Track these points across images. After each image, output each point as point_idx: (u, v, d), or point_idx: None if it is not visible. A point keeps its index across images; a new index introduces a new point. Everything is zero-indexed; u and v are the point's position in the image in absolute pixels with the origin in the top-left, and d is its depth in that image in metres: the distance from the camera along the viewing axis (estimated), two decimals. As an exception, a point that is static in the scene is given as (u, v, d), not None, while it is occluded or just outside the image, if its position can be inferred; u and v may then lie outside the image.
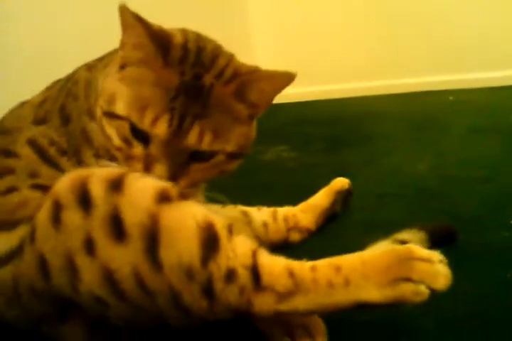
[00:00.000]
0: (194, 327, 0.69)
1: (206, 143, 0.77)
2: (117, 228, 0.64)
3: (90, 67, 0.92)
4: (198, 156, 0.78)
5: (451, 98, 2.62)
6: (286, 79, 0.82)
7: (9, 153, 0.86)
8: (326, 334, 0.73)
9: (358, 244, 0.91)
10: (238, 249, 0.66)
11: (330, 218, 1.19)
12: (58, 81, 0.95)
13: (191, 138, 0.75)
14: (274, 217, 1.11)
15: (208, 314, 0.66)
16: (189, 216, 0.65)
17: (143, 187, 0.66)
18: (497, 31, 2.81)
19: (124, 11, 0.74)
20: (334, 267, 0.67)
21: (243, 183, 1.50)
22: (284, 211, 1.14)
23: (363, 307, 0.66)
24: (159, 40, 0.76)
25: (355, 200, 1.27)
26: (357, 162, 1.69)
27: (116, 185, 0.65)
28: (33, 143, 0.86)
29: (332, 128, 2.28)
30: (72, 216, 0.65)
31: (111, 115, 0.77)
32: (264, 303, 0.66)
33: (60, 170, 0.84)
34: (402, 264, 0.65)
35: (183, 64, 0.77)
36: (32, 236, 0.68)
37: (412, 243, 0.82)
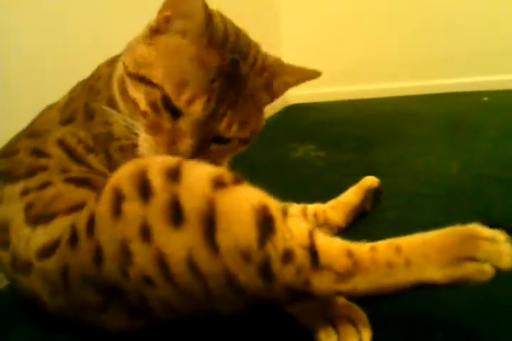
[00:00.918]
0: (240, 313, 0.71)
1: (233, 132, 0.80)
2: (176, 214, 0.65)
3: (110, 62, 0.93)
4: (219, 139, 0.82)
5: (485, 99, 2.59)
6: (312, 75, 0.85)
7: (41, 154, 0.89)
8: (368, 323, 0.74)
9: None
10: (294, 230, 0.67)
11: (360, 216, 1.19)
12: (81, 81, 0.98)
13: (222, 125, 0.79)
14: (304, 212, 1.12)
15: (264, 294, 0.67)
16: (244, 199, 0.67)
17: (199, 175, 0.68)
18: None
19: None
20: (394, 247, 0.67)
21: (271, 182, 1.50)
22: (313, 207, 1.15)
23: (424, 287, 0.66)
24: (209, 17, 0.77)
25: (387, 199, 1.26)
26: (387, 162, 1.68)
27: (174, 174, 0.67)
28: (61, 143, 0.89)
29: (363, 128, 2.27)
30: (132, 206, 0.67)
31: (140, 79, 0.78)
32: (322, 282, 0.66)
33: (89, 166, 0.87)
34: (466, 243, 0.65)
35: (223, 47, 0.78)
36: (90, 227, 0.70)
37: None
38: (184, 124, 0.78)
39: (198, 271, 0.65)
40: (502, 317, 0.78)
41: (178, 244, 0.65)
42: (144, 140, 0.81)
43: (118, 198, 0.69)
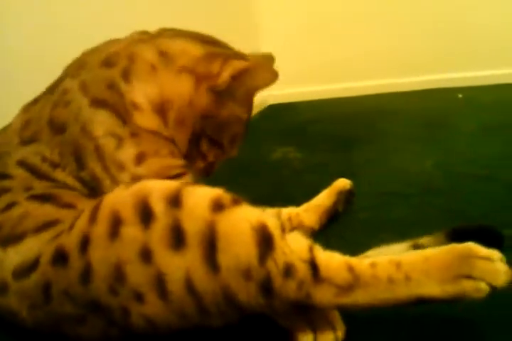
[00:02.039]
0: (231, 324, 0.73)
1: None
2: (177, 238, 0.69)
3: (73, 75, 0.95)
4: None
5: (460, 95, 2.61)
6: None
7: (3, 176, 0.90)
8: (341, 320, 0.76)
9: (361, 243, 0.92)
10: (293, 245, 0.70)
11: (333, 218, 1.19)
12: (30, 104, 0.99)
13: None
14: (278, 217, 1.12)
15: (264, 309, 0.70)
16: (243, 220, 0.70)
17: (199, 199, 0.71)
18: (507, 29, 2.80)
19: None
20: (394, 263, 0.71)
21: (249, 183, 1.50)
22: (287, 211, 1.16)
23: (423, 302, 0.69)
24: None
25: (361, 200, 1.27)
26: (364, 161, 1.69)
27: (175, 200, 0.71)
28: (23, 164, 0.90)
29: (341, 128, 2.28)
30: (132, 230, 0.70)
31: (215, 142, 0.98)
32: (324, 296, 0.69)
33: (54, 181, 0.89)
34: (463, 262, 0.69)
35: None
36: (85, 247, 0.72)
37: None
38: (222, 159, 1.02)
39: (194, 289, 0.68)
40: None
41: (179, 265, 0.68)
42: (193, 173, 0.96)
43: (116, 222, 0.71)
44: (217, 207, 0.70)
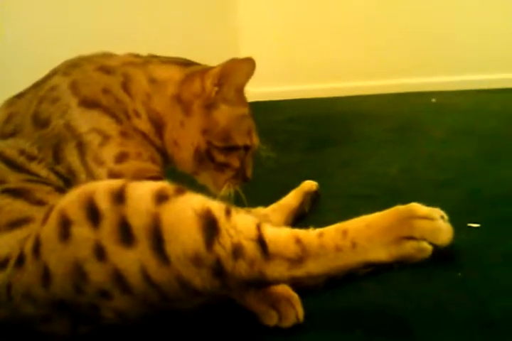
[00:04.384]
0: (201, 306, 0.77)
1: None
2: (126, 234, 0.70)
3: (64, 73, 0.99)
4: None
5: (433, 100, 2.67)
6: None
7: None
8: (300, 301, 0.81)
9: None
10: (239, 226, 0.72)
11: (300, 218, 1.24)
12: (14, 97, 1.02)
13: None
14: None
15: (221, 290, 0.73)
16: (187, 208, 0.72)
17: (142, 193, 0.73)
18: (482, 35, 2.85)
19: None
20: (341, 231, 0.74)
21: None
22: (256, 211, 1.19)
23: (372, 266, 0.73)
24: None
25: (328, 201, 1.32)
26: (336, 163, 1.74)
27: (119, 196, 0.72)
28: (0, 156, 0.92)
29: (315, 128, 2.33)
30: (82, 230, 0.72)
31: (230, 148, 1.02)
32: (276, 271, 0.72)
33: (29, 173, 0.91)
34: (404, 223, 0.71)
35: None
36: (37, 250, 0.74)
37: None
38: (249, 156, 1.08)
39: (151, 280, 0.70)
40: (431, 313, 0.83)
41: (132, 259, 0.70)
42: (227, 185, 1.05)
43: (65, 223, 0.73)
44: (161, 198, 0.72)
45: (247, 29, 3.18)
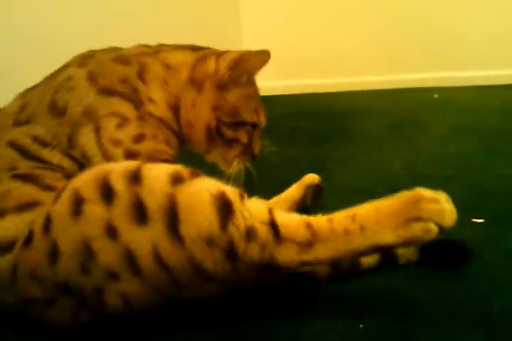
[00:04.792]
0: (208, 298, 0.77)
1: None
2: (140, 213, 0.72)
3: (80, 64, 1.02)
4: None
5: (435, 96, 2.66)
6: None
7: None
8: None
9: None
10: (253, 209, 0.74)
11: (301, 212, 1.22)
12: (27, 90, 1.03)
13: None
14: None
15: (231, 275, 0.74)
16: (203, 190, 0.74)
17: (158, 174, 0.75)
18: (485, 31, 2.85)
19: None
20: (350, 216, 0.76)
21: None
22: None
23: (380, 250, 0.75)
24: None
25: (330, 195, 1.32)
26: (337, 158, 1.73)
27: (135, 177, 0.74)
28: (12, 144, 0.94)
29: (317, 123, 2.33)
30: (94, 208, 0.73)
31: (238, 123, 1.06)
32: (286, 255, 0.73)
33: (40, 161, 0.92)
34: (412, 206, 0.73)
35: None
36: (47, 227, 0.75)
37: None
38: (257, 132, 1.12)
39: (163, 262, 0.71)
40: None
41: (145, 239, 0.71)
42: (237, 161, 1.10)
43: (78, 201, 0.74)
44: (176, 180, 0.74)
45: (249, 25, 3.18)
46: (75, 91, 0.97)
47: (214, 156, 1.11)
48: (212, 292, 0.77)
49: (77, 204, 0.74)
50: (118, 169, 0.76)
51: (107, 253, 0.72)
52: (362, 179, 1.50)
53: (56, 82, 0.99)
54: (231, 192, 0.75)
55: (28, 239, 0.77)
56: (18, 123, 0.96)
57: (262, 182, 1.53)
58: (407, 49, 2.98)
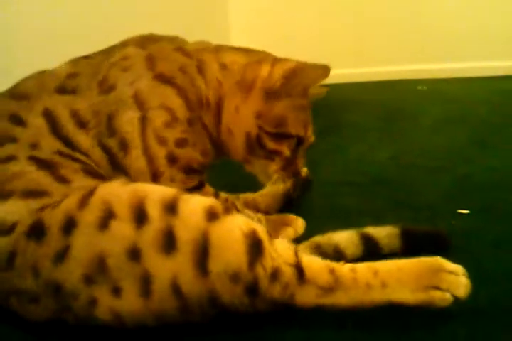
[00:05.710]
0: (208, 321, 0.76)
1: None
2: (169, 243, 0.72)
3: (140, 45, 1.00)
4: None
5: (424, 88, 2.67)
6: None
7: (19, 121, 0.89)
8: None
9: (312, 229, 0.99)
10: (279, 249, 0.76)
11: (289, 203, 1.23)
12: (84, 58, 1.00)
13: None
14: (258, 220, 1.14)
15: (247, 308, 0.74)
16: (236, 227, 0.74)
17: (194, 208, 0.75)
18: (470, 22, 2.86)
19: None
20: (372, 270, 0.77)
21: (215, 170, 1.53)
22: (244, 196, 1.20)
23: (395, 305, 0.75)
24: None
25: (315, 188, 1.31)
26: (324, 150, 1.71)
27: (171, 208, 0.74)
28: (48, 114, 0.90)
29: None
30: (123, 226, 0.73)
31: (281, 135, 1.02)
32: (306, 296, 0.75)
33: (69, 143, 0.89)
34: (433, 274, 0.76)
35: None
36: (69, 229, 0.74)
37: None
38: (301, 151, 1.08)
39: (180, 290, 0.71)
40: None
41: (167, 268, 0.71)
42: (278, 175, 1.06)
43: (108, 214, 0.73)
44: (212, 215, 0.74)
45: (237, 15, 3.16)
46: (129, 71, 0.95)
47: (254, 167, 1.07)
48: (213, 318, 0.76)
49: (107, 218, 0.73)
50: (155, 195, 0.76)
51: (120, 271, 0.72)
52: (349, 171, 1.50)
53: (112, 59, 0.97)
54: (261, 230, 0.76)
55: (40, 232, 0.75)
56: (62, 91, 0.93)
57: (248, 175, 1.53)
58: (394, 41, 2.98)
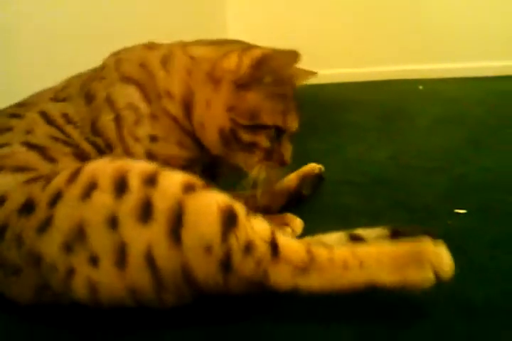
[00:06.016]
0: (183, 304, 0.76)
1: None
2: (146, 212, 0.73)
3: (115, 54, 1.07)
4: None
5: (420, 87, 2.68)
6: None
7: (17, 115, 1.00)
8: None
9: (312, 229, 0.99)
10: (256, 227, 0.75)
11: (297, 201, 1.24)
12: (78, 75, 1.09)
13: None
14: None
15: (220, 288, 0.74)
16: (212, 200, 0.74)
17: (172, 181, 0.76)
18: (468, 22, 2.86)
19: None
20: (350, 250, 0.76)
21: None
22: (245, 193, 1.19)
23: (374, 289, 0.73)
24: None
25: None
26: (322, 149, 1.74)
27: (151, 180, 0.75)
28: (42, 113, 1.00)
29: (303, 115, 2.29)
30: (104, 197, 0.75)
31: (257, 126, 0.98)
32: (280, 275, 0.73)
33: (59, 129, 0.98)
34: (415, 254, 0.74)
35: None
36: (54, 202, 0.77)
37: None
38: (285, 139, 1.04)
39: (153, 262, 0.72)
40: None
41: (142, 238, 0.72)
42: (260, 167, 1.02)
43: (91, 186, 0.76)
44: (189, 188, 0.75)
45: (234, 13, 3.17)
46: (104, 80, 1.02)
47: (235, 160, 1.05)
48: (189, 301, 0.77)
49: (90, 188, 0.75)
50: (138, 168, 0.77)
51: (98, 240, 0.73)
52: (348, 170, 1.51)
53: (96, 72, 1.05)
54: (239, 207, 0.75)
55: (30, 208, 0.78)
56: (55, 99, 1.02)
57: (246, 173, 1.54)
58: (392, 41, 2.98)
